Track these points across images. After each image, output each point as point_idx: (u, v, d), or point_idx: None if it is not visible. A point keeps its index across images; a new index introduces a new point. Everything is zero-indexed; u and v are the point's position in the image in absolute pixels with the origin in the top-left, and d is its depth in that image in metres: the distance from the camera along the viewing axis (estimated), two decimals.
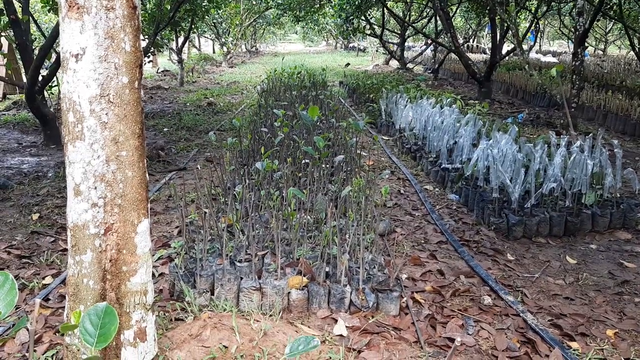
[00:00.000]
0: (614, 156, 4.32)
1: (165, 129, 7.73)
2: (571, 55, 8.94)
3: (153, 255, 3.38)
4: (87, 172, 1.50)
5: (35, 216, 4.13)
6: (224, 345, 1.97)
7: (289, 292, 2.76)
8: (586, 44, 8.47)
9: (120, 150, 1.53)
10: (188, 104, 10.29)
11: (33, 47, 6.73)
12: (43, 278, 3.15)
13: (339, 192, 3.85)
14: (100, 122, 1.49)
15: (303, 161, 4.36)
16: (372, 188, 3.73)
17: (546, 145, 4.46)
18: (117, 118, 1.51)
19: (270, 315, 2.57)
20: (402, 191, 5.07)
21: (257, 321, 2.30)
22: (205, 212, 2.89)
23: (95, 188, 1.51)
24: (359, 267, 2.95)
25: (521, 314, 2.86)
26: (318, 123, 5.51)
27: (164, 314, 2.52)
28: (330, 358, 2.23)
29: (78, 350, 1.55)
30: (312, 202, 3.68)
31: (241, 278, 2.80)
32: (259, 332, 2.17)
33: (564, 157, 4.20)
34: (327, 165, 4.45)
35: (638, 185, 4.21)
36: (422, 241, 3.90)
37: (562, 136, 4.77)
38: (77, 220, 1.52)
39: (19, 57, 7.20)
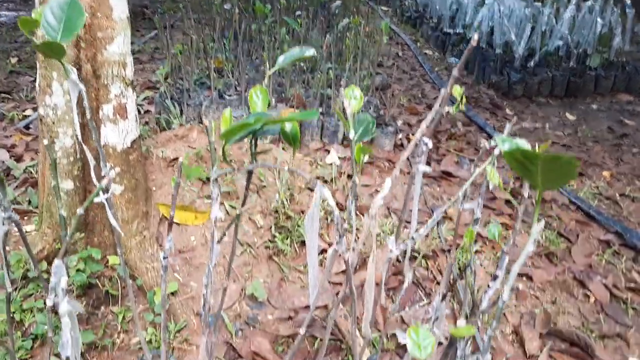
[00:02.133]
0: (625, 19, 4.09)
1: None
2: None
3: (138, 96, 3.23)
4: None
5: (13, 60, 3.91)
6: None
7: None
8: None
9: None
10: None
11: None
12: (23, 110, 3.01)
13: (335, 40, 3.63)
14: None
15: (297, 12, 4.09)
16: (370, 36, 3.52)
17: (554, 7, 4.21)
18: None
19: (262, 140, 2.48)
20: (400, 54, 4.86)
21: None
22: (193, 38, 2.70)
23: None
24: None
25: None
26: None
27: (149, 127, 2.41)
28: (323, 176, 2.17)
29: (53, 123, 1.44)
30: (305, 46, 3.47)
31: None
32: (248, 143, 2.07)
33: (573, 15, 3.97)
34: (324, 18, 4.18)
35: None
36: (420, 96, 3.77)
37: None
38: None
39: None
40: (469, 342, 0.85)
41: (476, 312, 0.79)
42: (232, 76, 3.18)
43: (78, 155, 1.47)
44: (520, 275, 1.88)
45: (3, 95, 3.23)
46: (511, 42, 3.93)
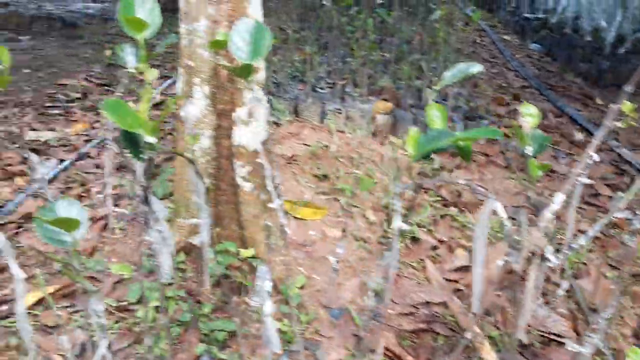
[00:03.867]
0: None
1: None
2: None
3: None
4: None
5: (108, 52, 4.12)
6: (324, 145, 1.95)
7: (374, 117, 2.69)
8: None
9: None
10: None
11: None
12: (126, 102, 3.19)
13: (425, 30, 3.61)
14: None
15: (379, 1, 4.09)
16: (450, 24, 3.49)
17: None
18: None
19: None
20: (478, 41, 4.78)
21: (350, 133, 2.26)
22: (289, 32, 2.77)
23: None
24: (445, 100, 2.85)
25: (615, 149, 2.73)
26: None
27: None
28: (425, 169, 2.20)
29: (194, 125, 1.54)
30: (391, 42, 3.49)
31: (324, 103, 2.74)
32: (354, 140, 2.14)
33: None
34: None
35: None
36: (504, 85, 3.71)
37: None
38: None
39: None
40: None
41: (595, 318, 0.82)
42: (319, 68, 3.24)
43: (215, 155, 1.57)
44: (635, 275, 1.86)
45: (104, 87, 3.43)
46: (600, 28, 3.80)
